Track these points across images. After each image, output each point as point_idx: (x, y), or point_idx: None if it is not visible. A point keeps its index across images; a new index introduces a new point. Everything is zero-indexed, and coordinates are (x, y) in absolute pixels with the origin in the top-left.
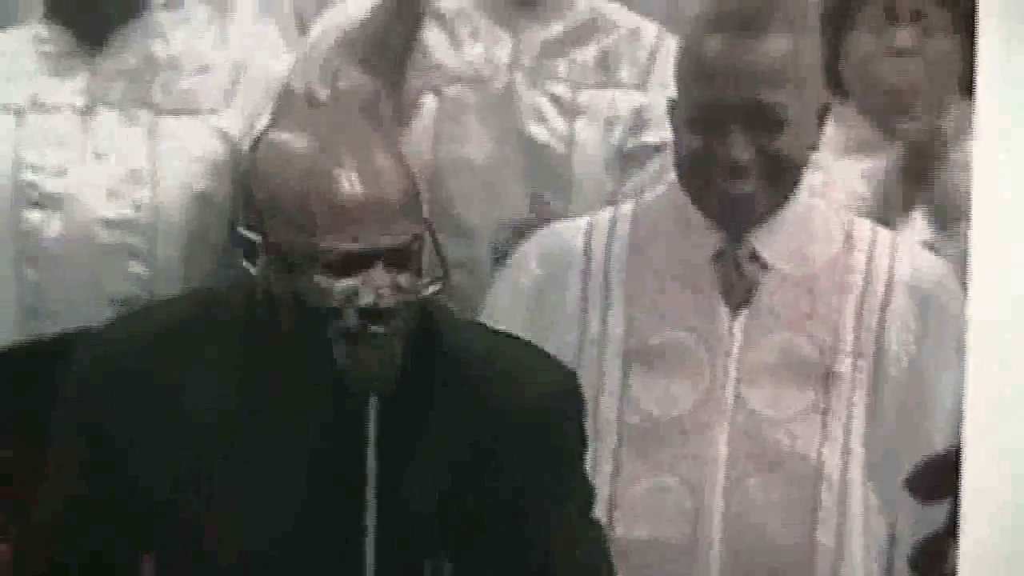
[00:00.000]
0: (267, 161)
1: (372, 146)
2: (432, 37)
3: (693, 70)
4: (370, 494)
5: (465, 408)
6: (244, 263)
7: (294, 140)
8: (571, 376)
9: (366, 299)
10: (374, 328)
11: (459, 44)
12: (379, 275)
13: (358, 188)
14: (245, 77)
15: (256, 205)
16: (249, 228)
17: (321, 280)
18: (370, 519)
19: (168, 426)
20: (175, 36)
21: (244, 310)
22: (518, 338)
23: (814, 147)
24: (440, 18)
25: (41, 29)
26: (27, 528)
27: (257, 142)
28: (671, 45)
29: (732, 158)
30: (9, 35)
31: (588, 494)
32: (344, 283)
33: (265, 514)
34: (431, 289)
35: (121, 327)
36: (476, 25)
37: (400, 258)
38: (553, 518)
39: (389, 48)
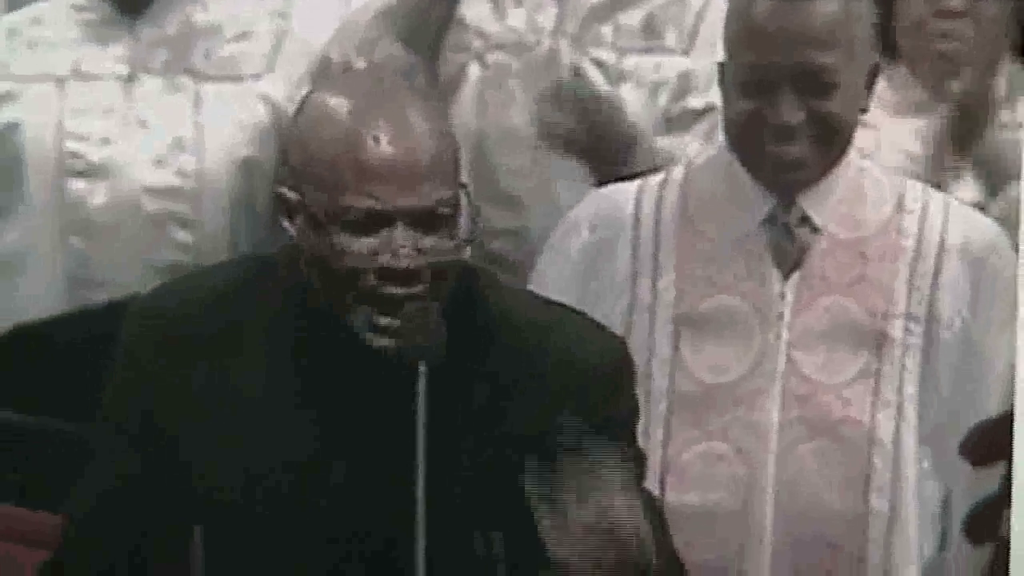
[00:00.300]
0: (303, 121)
1: (406, 108)
2: (475, 4)
3: (742, 33)
4: (419, 466)
5: (513, 378)
6: (284, 224)
7: (329, 101)
8: (620, 344)
9: (386, 259)
10: (392, 289)
11: (503, 11)
12: (400, 236)
13: (383, 147)
14: (287, 42)
15: (292, 165)
16: (289, 188)
17: (342, 239)
18: (420, 491)
19: (216, 395)
20: (214, 3)
21: (290, 275)
22: (565, 306)
23: (864, 109)
24: None
25: None
26: (74, 501)
27: (301, 103)
28: (718, 8)
29: (782, 121)
30: (49, 4)
31: (639, 463)
32: (364, 242)
33: (311, 487)
34: (458, 253)
35: (169, 293)
36: None
37: (426, 220)
38: (604, 487)
39: (427, 24)
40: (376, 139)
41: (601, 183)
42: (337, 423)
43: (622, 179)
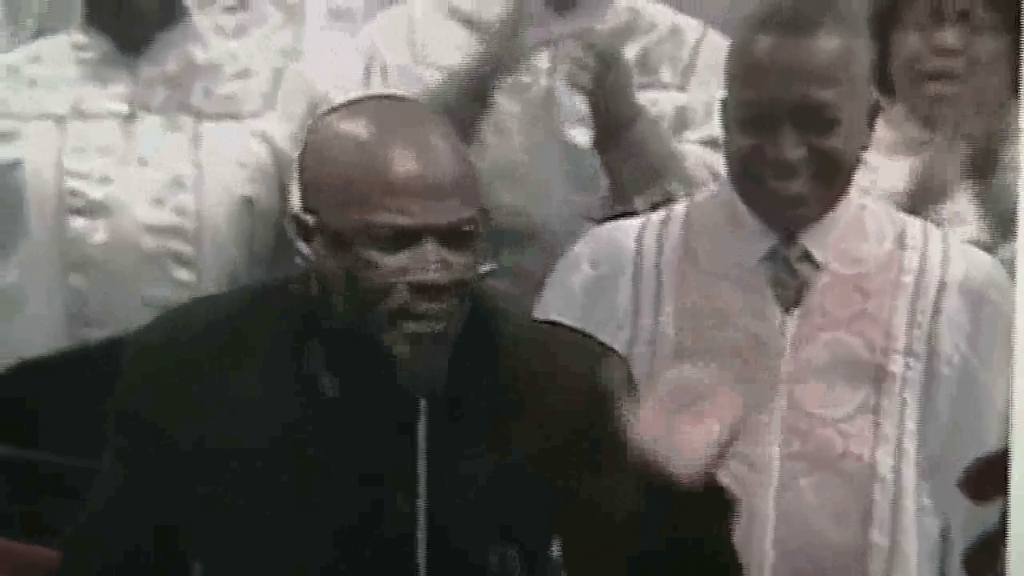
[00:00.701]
0: (322, 140)
1: (427, 128)
2: (471, 46)
3: (743, 69)
4: (421, 498)
5: (520, 398)
6: (300, 246)
7: (349, 120)
8: (623, 362)
9: (416, 274)
10: (425, 306)
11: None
12: (430, 251)
13: (410, 163)
14: (286, 80)
15: (309, 184)
16: (304, 210)
17: (372, 255)
18: (421, 525)
19: (214, 421)
20: (215, 41)
21: (299, 300)
22: (567, 327)
23: (865, 147)
24: (477, 27)
25: (80, 36)
26: (76, 524)
27: (314, 124)
28: (714, 42)
29: (783, 157)
30: (48, 42)
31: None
32: (395, 258)
33: (313, 513)
34: (483, 269)
35: (169, 320)
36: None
37: (452, 238)
38: (608, 494)
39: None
40: (402, 157)
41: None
42: (337, 446)
43: (618, 215)
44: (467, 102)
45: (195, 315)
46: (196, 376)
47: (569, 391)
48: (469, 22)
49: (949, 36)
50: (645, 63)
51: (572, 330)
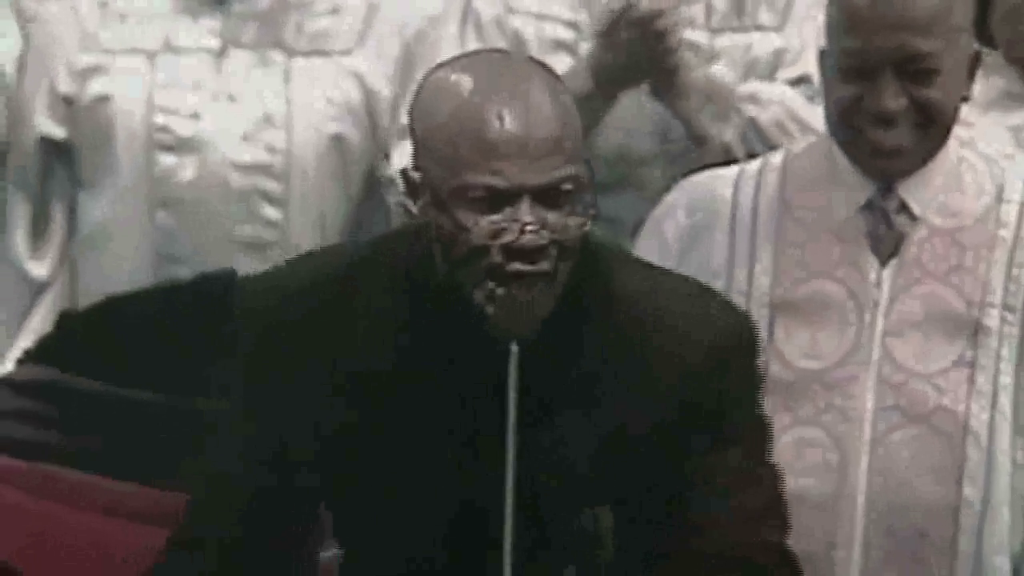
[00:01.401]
0: (426, 98)
1: (531, 84)
2: None
3: (844, 19)
4: (509, 445)
5: (633, 349)
6: (407, 204)
7: (452, 78)
8: (744, 318)
9: (510, 236)
10: (518, 266)
11: (591, 0)
12: (525, 212)
13: (506, 123)
14: (377, 19)
15: (417, 141)
16: (413, 167)
17: (467, 217)
18: (510, 471)
19: (326, 374)
20: None
21: (406, 255)
22: (689, 279)
23: (965, 98)
24: None
25: None
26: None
27: (424, 79)
28: None
29: (883, 107)
30: None
31: (762, 435)
32: (490, 219)
33: (413, 466)
34: (581, 229)
35: (283, 272)
36: None
37: (550, 197)
38: (719, 462)
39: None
40: (500, 116)
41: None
42: (437, 401)
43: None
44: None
45: (307, 267)
46: (313, 327)
47: (688, 349)
48: None
49: None
50: (742, 5)
51: (693, 282)
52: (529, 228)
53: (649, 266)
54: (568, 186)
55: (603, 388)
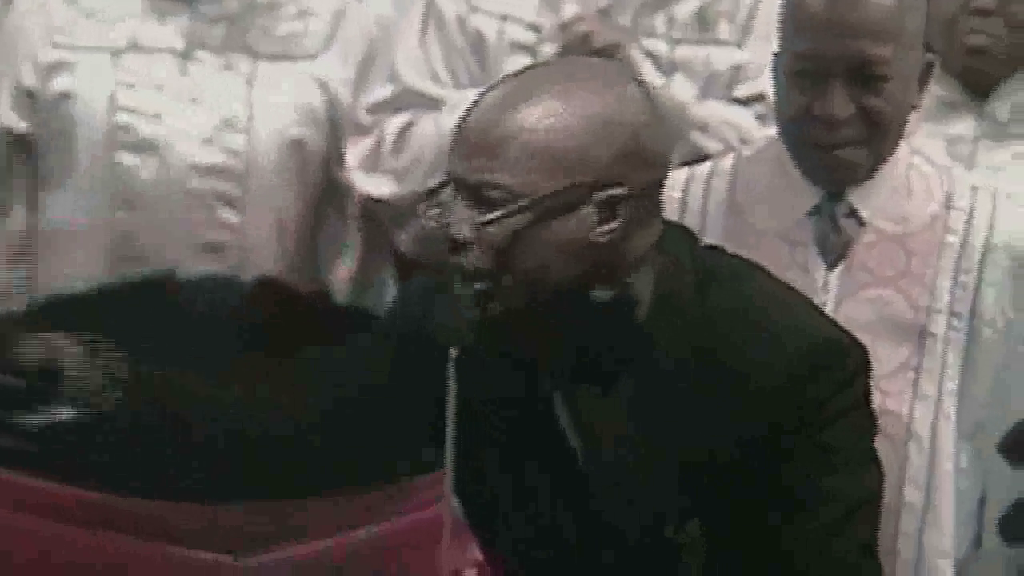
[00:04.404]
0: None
1: (545, 92)
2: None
3: (797, 22)
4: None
5: (718, 364)
6: None
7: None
8: (842, 338)
9: (432, 221)
10: (455, 259)
11: (555, 5)
12: (458, 207)
13: (472, 117)
14: (346, 22)
15: None
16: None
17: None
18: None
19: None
20: None
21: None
22: (790, 291)
23: (915, 106)
24: None
25: None
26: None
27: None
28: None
29: (832, 114)
30: None
31: (854, 500)
32: (432, 207)
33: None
34: (497, 218)
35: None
36: None
37: (475, 196)
38: (800, 477)
39: None
40: (477, 108)
41: None
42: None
43: None
44: None
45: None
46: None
47: (774, 364)
48: None
49: None
50: (704, 18)
51: (797, 300)
52: (451, 219)
53: (751, 275)
54: (490, 192)
55: (684, 401)
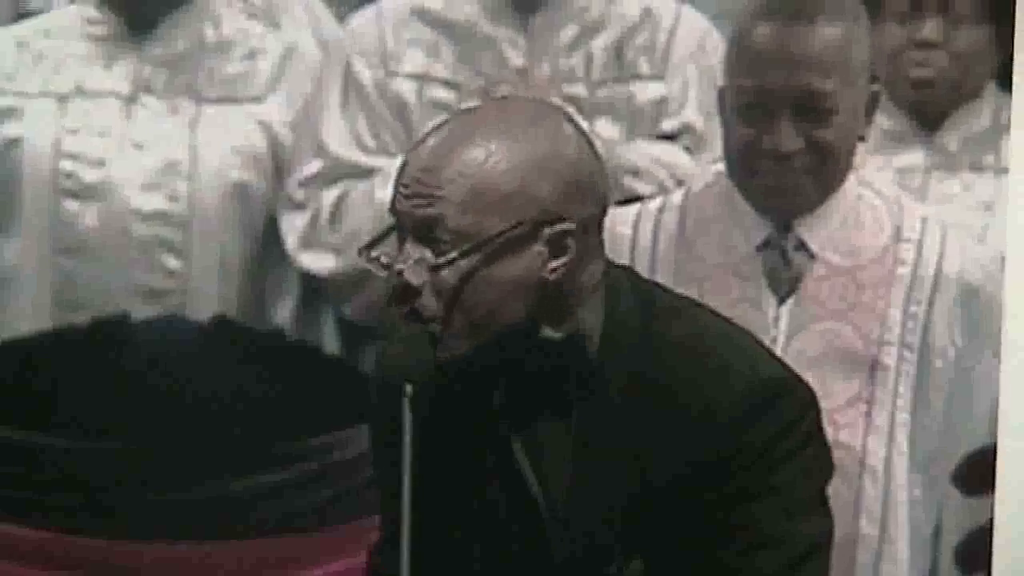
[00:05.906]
0: None
1: (485, 133)
2: (444, 51)
3: (743, 56)
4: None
5: (663, 398)
6: None
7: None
8: (786, 375)
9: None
10: (403, 304)
11: (470, 55)
12: (406, 252)
13: (415, 161)
14: (293, 61)
15: None
16: None
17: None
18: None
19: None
20: (227, 19)
21: None
22: (739, 329)
23: (863, 138)
24: (449, 29)
25: (92, 11)
26: None
27: None
28: (690, 20)
29: (780, 148)
30: (59, 15)
31: (805, 546)
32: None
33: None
34: (449, 261)
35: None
36: (487, 34)
37: (420, 235)
38: (746, 518)
39: None
40: (421, 145)
41: None
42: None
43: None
44: None
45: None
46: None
47: (718, 400)
48: (437, 22)
49: (928, 28)
50: (620, 55)
51: (746, 338)
52: (401, 265)
53: (695, 311)
54: (439, 234)
55: (632, 436)
